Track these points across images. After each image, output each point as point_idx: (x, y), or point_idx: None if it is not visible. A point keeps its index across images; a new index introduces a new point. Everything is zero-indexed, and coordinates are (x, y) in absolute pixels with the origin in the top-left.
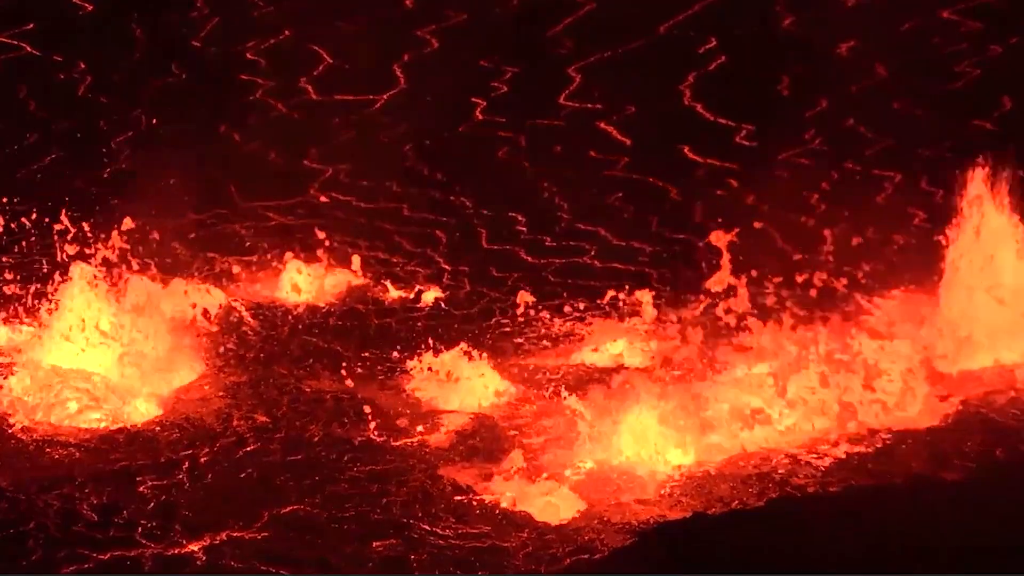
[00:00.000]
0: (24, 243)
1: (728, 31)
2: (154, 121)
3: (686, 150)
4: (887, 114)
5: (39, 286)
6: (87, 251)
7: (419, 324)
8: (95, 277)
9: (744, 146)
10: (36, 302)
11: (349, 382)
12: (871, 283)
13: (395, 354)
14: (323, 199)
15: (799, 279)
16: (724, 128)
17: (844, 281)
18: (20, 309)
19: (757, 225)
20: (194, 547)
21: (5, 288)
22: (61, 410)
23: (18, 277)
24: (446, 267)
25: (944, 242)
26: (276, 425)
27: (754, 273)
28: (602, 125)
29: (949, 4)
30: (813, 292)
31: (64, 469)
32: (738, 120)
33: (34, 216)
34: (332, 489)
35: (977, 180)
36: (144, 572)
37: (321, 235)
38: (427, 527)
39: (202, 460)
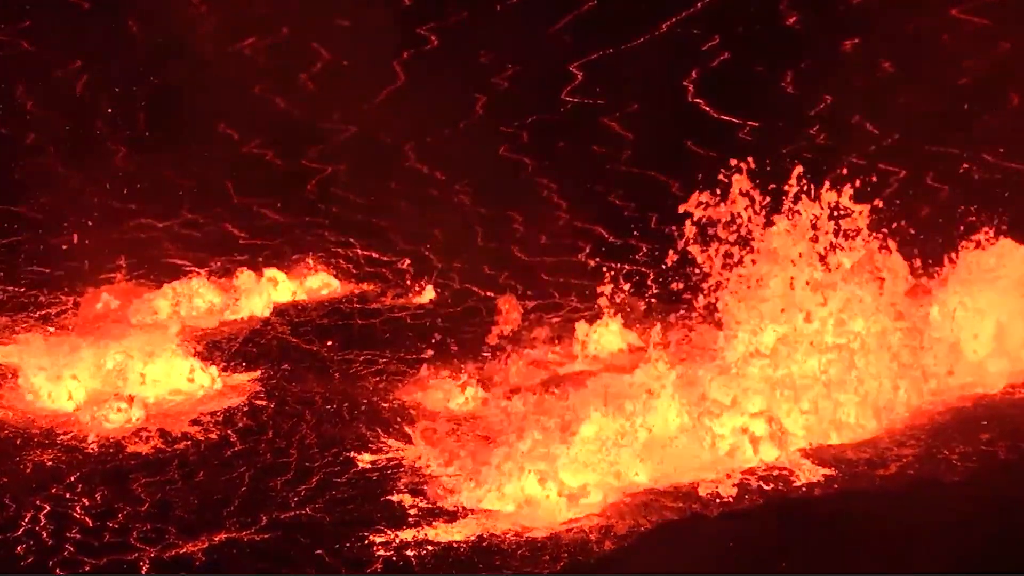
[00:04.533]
0: (22, 243)
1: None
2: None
3: (688, 146)
4: (892, 110)
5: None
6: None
7: (408, 323)
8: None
9: (747, 142)
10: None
11: (336, 383)
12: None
13: (384, 353)
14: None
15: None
16: (727, 125)
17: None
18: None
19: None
20: (192, 549)
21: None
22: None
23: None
24: (437, 265)
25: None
26: (263, 426)
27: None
28: (604, 121)
29: (955, 3)
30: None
31: (49, 470)
32: (742, 117)
33: (32, 216)
34: (330, 491)
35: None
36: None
37: (316, 234)
38: (425, 528)
39: (192, 460)
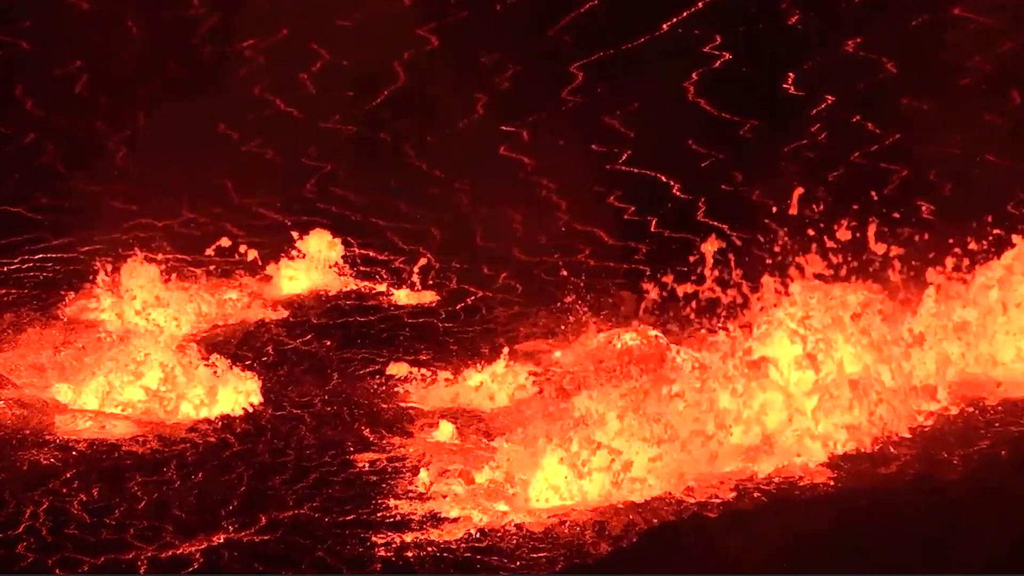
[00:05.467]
0: (22, 243)
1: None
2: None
3: (690, 145)
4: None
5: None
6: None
7: (407, 322)
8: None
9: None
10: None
11: (334, 383)
12: (872, 280)
13: (382, 353)
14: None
15: (801, 275)
16: (728, 124)
17: (845, 276)
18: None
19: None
20: (190, 549)
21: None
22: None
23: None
24: (435, 264)
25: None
26: (262, 428)
27: (753, 269)
28: (605, 121)
29: (957, 1)
30: (815, 288)
31: (46, 470)
32: (743, 116)
33: (32, 216)
34: (328, 491)
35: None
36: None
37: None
38: (424, 528)
39: (190, 461)
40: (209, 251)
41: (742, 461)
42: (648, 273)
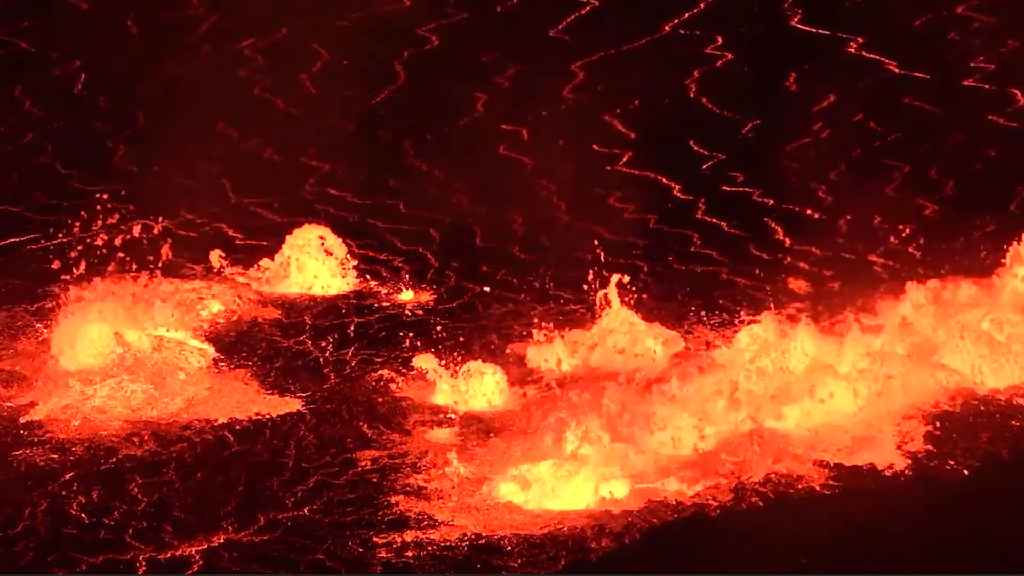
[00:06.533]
0: (20, 243)
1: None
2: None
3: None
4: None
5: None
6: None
7: (405, 321)
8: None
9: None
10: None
11: (333, 382)
12: (875, 279)
13: (380, 352)
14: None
15: (801, 274)
16: (729, 124)
17: (847, 276)
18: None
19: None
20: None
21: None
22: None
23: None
24: (434, 264)
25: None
26: (260, 428)
27: (752, 270)
28: (605, 120)
29: (957, 1)
30: (813, 287)
31: (45, 470)
32: (744, 116)
33: (30, 216)
34: (327, 491)
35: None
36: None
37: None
38: (424, 528)
39: (188, 461)
40: (207, 252)
41: (740, 461)
42: (645, 270)
